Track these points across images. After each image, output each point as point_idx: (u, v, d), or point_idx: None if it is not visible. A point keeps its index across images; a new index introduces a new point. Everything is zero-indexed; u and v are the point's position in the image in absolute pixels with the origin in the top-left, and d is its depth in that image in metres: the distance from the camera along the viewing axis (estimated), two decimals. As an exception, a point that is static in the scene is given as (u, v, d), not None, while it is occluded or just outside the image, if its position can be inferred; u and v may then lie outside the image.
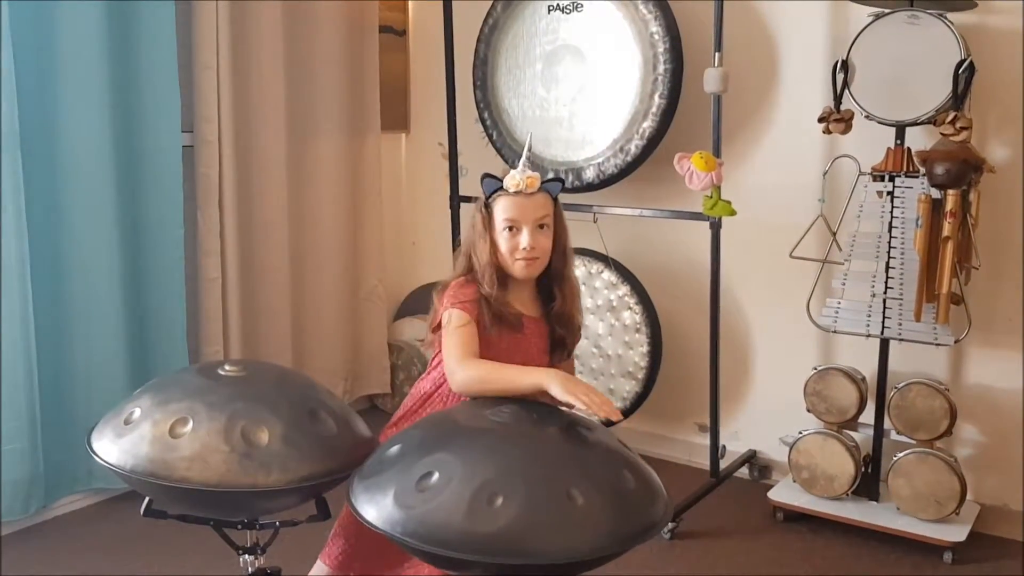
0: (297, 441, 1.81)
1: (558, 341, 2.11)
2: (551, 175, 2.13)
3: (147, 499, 1.93)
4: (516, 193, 2.01)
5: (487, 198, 2.05)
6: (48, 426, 3.14)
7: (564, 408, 1.82)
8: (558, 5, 3.57)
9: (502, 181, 2.02)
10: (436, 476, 1.57)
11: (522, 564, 1.49)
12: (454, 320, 1.99)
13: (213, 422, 1.79)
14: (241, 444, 1.77)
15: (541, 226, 2.01)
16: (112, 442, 1.83)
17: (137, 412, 1.85)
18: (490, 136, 3.82)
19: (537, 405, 1.81)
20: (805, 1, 3.40)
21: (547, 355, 2.11)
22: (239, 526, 1.99)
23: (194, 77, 3.51)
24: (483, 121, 3.83)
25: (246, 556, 2.04)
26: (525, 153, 2.07)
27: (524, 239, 1.99)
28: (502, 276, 2.03)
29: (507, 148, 3.77)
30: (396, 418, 2.15)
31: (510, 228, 2.00)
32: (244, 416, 1.81)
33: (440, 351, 2.05)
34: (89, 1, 3.09)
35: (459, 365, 1.93)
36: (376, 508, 1.60)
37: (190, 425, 1.79)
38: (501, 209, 2.02)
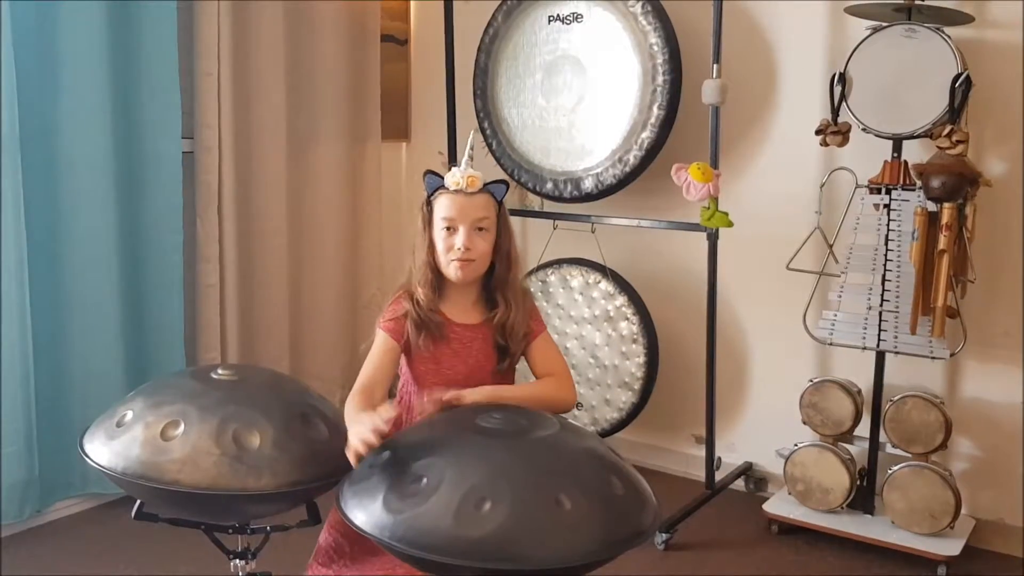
0: (288, 446, 1.82)
1: (501, 350, 2.02)
2: (502, 179, 2.09)
3: (138, 502, 1.93)
4: (456, 192, 1.96)
5: (429, 196, 2.01)
6: (44, 430, 3.14)
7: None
8: (558, 16, 3.58)
9: (444, 179, 1.99)
10: (425, 481, 1.57)
11: (510, 569, 1.49)
12: (375, 343, 1.98)
13: (205, 425, 1.80)
14: (232, 448, 1.77)
15: (480, 228, 1.96)
16: (104, 444, 1.84)
17: (129, 415, 1.86)
18: (490, 145, 3.83)
19: (527, 411, 1.81)
20: (803, 14, 3.41)
21: (493, 363, 2.02)
22: (230, 530, 1.99)
23: (195, 83, 3.52)
24: (483, 130, 3.84)
25: (237, 560, 2.04)
26: (467, 152, 2.01)
27: (459, 239, 1.94)
28: (439, 280, 1.99)
29: (507, 157, 3.78)
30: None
31: (448, 228, 1.96)
32: (236, 420, 1.81)
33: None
34: (90, 5, 3.11)
35: (350, 394, 1.91)
36: (365, 513, 1.60)
37: (182, 428, 1.79)
38: (440, 207, 1.97)
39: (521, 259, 2.08)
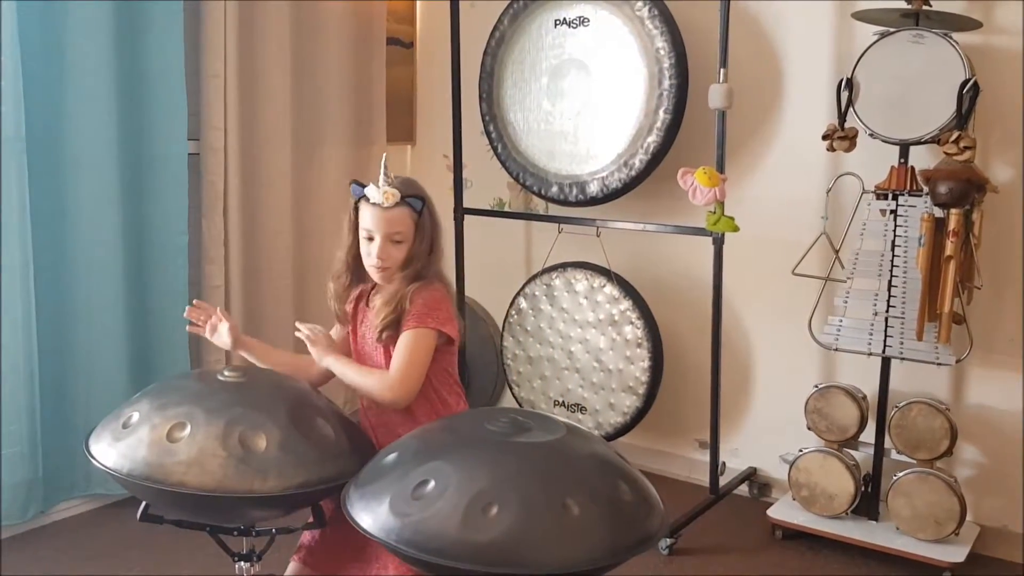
0: (294, 448, 1.81)
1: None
2: (418, 195, 2.19)
3: (144, 503, 1.93)
4: (375, 205, 2.12)
5: (356, 202, 2.18)
6: (48, 431, 3.15)
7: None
8: (565, 19, 3.58)
9: (364, 189, 2.15)
10: (432, 484, 1.57)
11: (517, 573, 1.48)
12: None
13: (211, 427, 1.79)
14: (238, 449, 1.77)
15: (396, 240, 2.12)
16: (110, 445, 1.83)
17: (135, 416, 1.86)
18: (495, 148, 3.83)
19: (534, 415, 1.82)
20: (811, 18, 3.41)
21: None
22: (235, 532, 1.99)
23: (201, 85, 3.53)
24: (488, 134, 3.84)
25: (242, 563, 2.04)
26: (381, 171, 2.13)
27: (374, 248, 2.13)
28: (355, 273, 2.24)
29: (511, 161, 3.78)
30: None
31: (367, 236, 2.15)
32: (242, 422, 1.81)
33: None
34: (97, 6, 3.11)
35: None
36: (371, 516, 1.60)
37: (188, 430, 1.79)
38: (362, 216, 2.16)
39: (439, 256, 2.24)
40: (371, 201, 2.12)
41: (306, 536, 2.20)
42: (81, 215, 3.18)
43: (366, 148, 4.23)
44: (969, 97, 2.84)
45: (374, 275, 2.18)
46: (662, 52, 3.36)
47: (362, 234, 2.16)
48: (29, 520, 3.16)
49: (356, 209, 2.18)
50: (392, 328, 2.11)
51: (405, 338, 2.09)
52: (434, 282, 2.17)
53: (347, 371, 2.15)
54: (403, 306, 2.11)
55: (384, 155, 2.22)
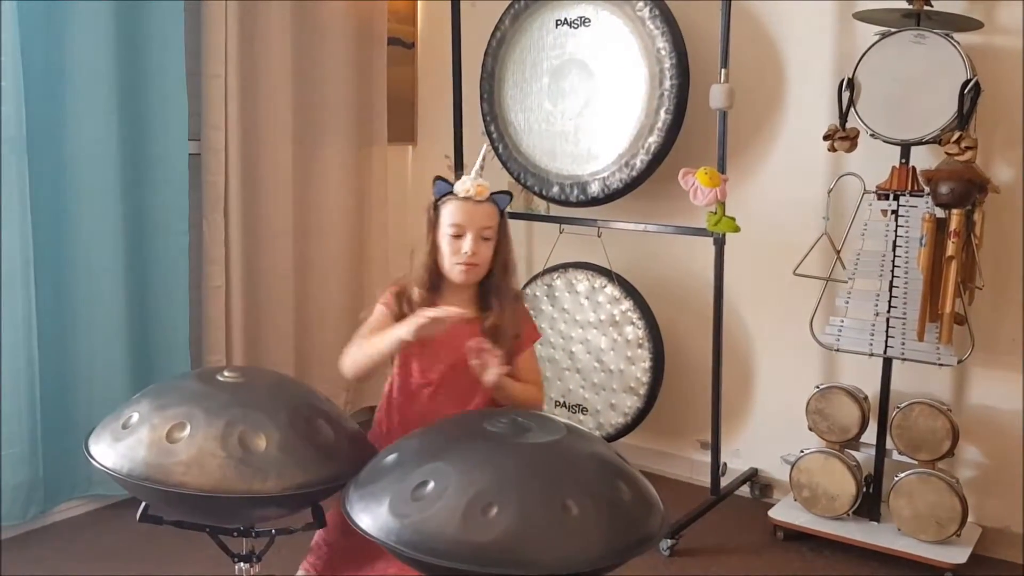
0: (294, 448, 1.81)
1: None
2: (506, 189, 2.17)
3: (143, 504, 1.92)
4: (465, 199, 2.04)
5: (436, 200, 2.08)
6: (48, 431, 3.14)
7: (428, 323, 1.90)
8: (566, 20, 3.58)
9: (452, 186, 2.06)
10: (431, 485, 1.57)
11: (516, 574, 1.48)
12: (374, 315, 2.12)
13: (211, 427, 1.79)
14: (238, 450, 1.76)
15: (485, 237, 2.05)
16: (109, 446, 1.83)
17: (135, 416, 1.85)
18: (496, 149, 3.83)
19: (534, 415, 1.81)
20: (812, 18, 3.41)
21: None
22: (235, 533, 1.98)
23: (202, 85, 3.53)
24: (489, 134, 3.84)
25: (242, 564, 2.03)
26: (478, 162, 2.10)
27: (466, 244, 2.02)
28: (437, 279, 2.08)
29: (513, 161, 3.78)
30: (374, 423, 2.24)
31: (454, 233, 2.04)
32: (242, 422, 1.80)
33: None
34: (98, 6, 3.11)
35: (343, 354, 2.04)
36: (371, 517, 1.59)
37: (187, 430, 1.78)
38: (448, 213, 2.05)
39: (516, 267, 2.18)
40: (461, 196, 2.04)
41: (319, 537, 2.18)
42: (82, 215, 3.18)
43: (367, 148, 4.23)
44: (970, 97, 2.83)
45: (458, 275, 2.05)
46: (663, 52, 3.36)
47: (446, 232, 2.04)
48: (29, 521, 3.16)
49: (435, 208, 2.08)
50: (514, 331, 2.10)
51: (533, 354, 2.18)
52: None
53: (516, 386, 2.08)
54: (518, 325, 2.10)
55: (485, 146, 2.18)
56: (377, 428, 2.23)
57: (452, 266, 2.05)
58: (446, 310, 1.92)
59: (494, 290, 2.10)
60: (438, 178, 2.09)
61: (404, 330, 1.93)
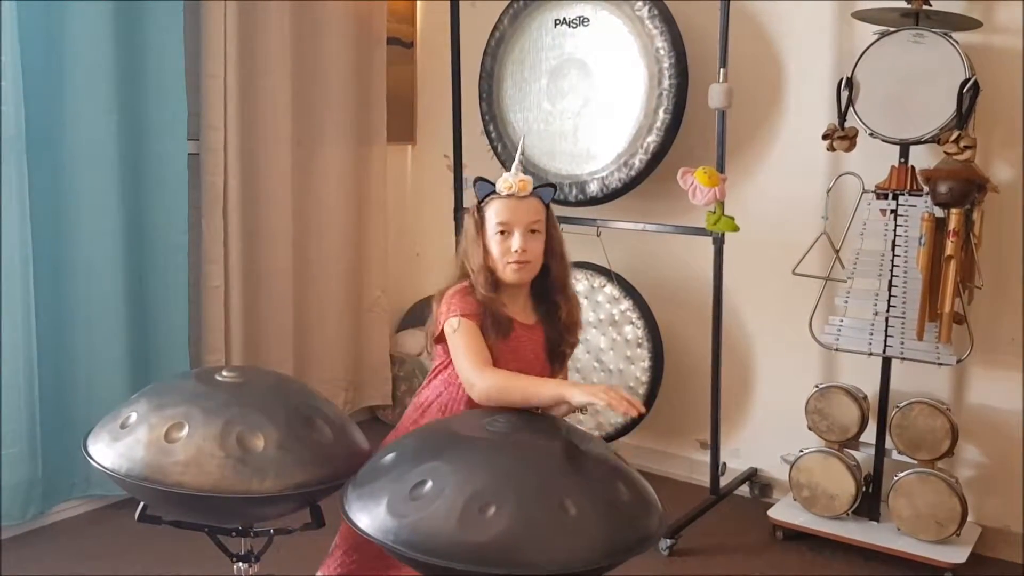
0: (292, 448, 1.81)
1: (556, 351, 2.08)
2: (549, 183, 2.12)
3: (142, 504, 1.92)
4: (508, 196, 2.00)
5: (480, 202, 2.04)
6: (47, 431, 3.14)
7: (583, 407, 1.85)
8: (564, 19, 3.58)
9: (495, 185, 2.02)
10: (429, 485, 1.56)
11: (514, 574, 1.48)
12: (462, 329, 1.96)
13: (209, 427, 1.79)
14: (236, 450, 1.76)
15: (533, 231, 1.99)
16: (108, 446, 1.83)
17: (133, 416, 1.85)
18: (495, 148, 3.83)
19: (532, 415, 1.81)
20: (811, 18, 3.41)
21: (545, 363, 2.08)
22: (233, 533, 1.98)
23: (201, 85, 3.52)
24: (488, 134, 3.84)
25: (240, 563, 2.03)
26: (518, 156, 2.07)
27: (516, 242, 1.97)
28: (494, 281, 2.01)
29: (512, 161, 3.76)
30: (397, 428, 2.13)
31: (502, 232, 1.99)
32: (240, 422, 1.80)
33: (442, 361, 2.05)
34: (97, 6, 3.11)
35: (479, 375, 1.90)
36: (369, 516, 1.59)
37: (186, 430, 1.78)
38: (493, 212, 2.00)
39: (569, 258, 2.11)
40: (504, 193, 1.99)
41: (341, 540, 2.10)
42: (81, 215, 3.18)
43: (366, 148, 4.23)
44: (969, 96, 2.83)
45: (511, 274, 1.99)
46: (662, 52, 3.36)
47: (493, 232, 1.99)
48: (28, 520, 3.16)
49: (479, 210, 2.03)
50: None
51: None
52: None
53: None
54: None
55: (522, 137, 2.16)
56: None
57: (504, 266, 1.99)
58: (635, 403, 1.79)
59: (555, 285, 2.06)
60: (479, 179, 2.04)
61: (580, 396, 1.83)
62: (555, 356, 2.10)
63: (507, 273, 2.00)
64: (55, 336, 3.17)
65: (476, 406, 1.95)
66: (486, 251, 2.01)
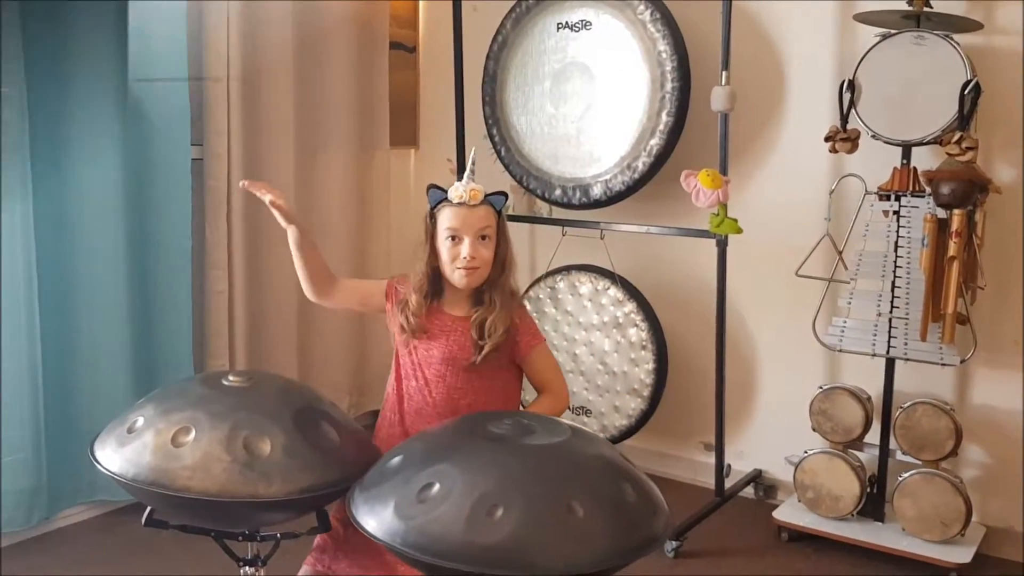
0: (299, 452, 1.81)
1: (476, 344, 2.12)
2: (501, 190, 2.20)
3: (148, 509, 1.93)
4: (459, 204, 2.07)
5: (432, 208, 2.12)
6: (52, 437, 3.15)
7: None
8: (567, 23, 3.58)
9: (447, 192, 2.09)
10: (436, 487, 1.57)
11: (521, 576, 1.49)
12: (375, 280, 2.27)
13: (215, 432, 1.79)
14: (243, 454, 1.77)
15: (483, 237, 2.08)
16: (115, 451, 1.83)
17: (140, 421, 1.85)
18: (498, 152, 3.83)
19: (539, 417, 1.82)
20: (812, 20, 3.42)
21: (469, 354, 2.12)
22: (240, 537, 1.99)
23: (204, 90, 3.53)
24: (491, 137, 3.84)
25: (247, 568, 2.03)
26: (469, 166, 2.13)
27: (465, 248, 2.06)
28: (437, 285, 2.14)
29: (515, 164, 3.78)
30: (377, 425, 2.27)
31: (452, 238, 2.07)
32: (247, 426, 1.81)
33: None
34: (101, 7, 3.11)
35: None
36: (376, 519, 1.60)
37: (192, 434, 1.79)
38: (444, 219, 2.09)
39: (515, 265, 2.20)
40: (455, 201, 2.07)
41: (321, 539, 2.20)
42: (84, 220, 3.18)
43: (369, 153, 4.23)
44: (971, 98, 2.84)
45: (460, 279, 2.09)
46: (664, 55, 3.36)
47: (444, 238, 2.09)
48: (33, 527, 3.16)
49: (432, 216, 2.12)
50: (499, 349, 2.10)
51: (543, 354, 2.19)
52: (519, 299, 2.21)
53: (535, 409, 2.15)
54: (514, 327, 2.12)
55: (474, 149, 2.23)
56: (378, 430, 2.25)
57: (453, 271, 2.09)
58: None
59: (488, 287, 2.12)
60: (431, 186, 2.13)
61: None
62: (476, 348, 2.13)
63: (455, 278, 2.10)
64: (59, 341, 3.17)
65: (401, 390, 2.19)
66: (434, 255, 2.11)
